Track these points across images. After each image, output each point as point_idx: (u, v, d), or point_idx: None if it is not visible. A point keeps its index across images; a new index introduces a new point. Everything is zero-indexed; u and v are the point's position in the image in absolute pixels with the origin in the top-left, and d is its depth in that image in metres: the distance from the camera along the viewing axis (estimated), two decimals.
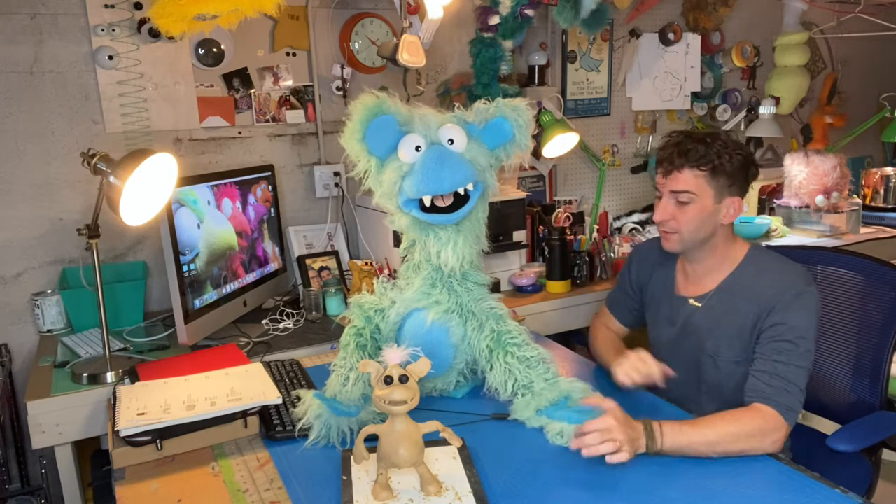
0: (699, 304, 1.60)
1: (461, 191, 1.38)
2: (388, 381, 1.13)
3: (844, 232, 3.03)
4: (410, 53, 2.18)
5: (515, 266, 2.51)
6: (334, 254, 2.49)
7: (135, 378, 1.60)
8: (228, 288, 2.07)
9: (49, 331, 2.14)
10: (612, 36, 3.14)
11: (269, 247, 2.33)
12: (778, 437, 1.32)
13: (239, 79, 2.41)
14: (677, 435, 1.27)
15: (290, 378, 1.66)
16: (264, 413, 1.46)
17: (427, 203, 1.38)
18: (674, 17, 3.27)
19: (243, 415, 1.41)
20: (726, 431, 1.28)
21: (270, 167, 2.36)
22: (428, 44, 2.31)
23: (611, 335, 1.80)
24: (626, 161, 3.31)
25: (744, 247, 1.60)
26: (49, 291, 2.18)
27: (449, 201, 1.38)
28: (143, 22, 2.20)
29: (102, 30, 2.17)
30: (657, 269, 1.73)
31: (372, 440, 1.18)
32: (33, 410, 1.65)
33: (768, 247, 1.69)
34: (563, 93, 3.05)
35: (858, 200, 3.12)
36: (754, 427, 1.31)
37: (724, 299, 1.56)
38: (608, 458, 1.21)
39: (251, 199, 2.22)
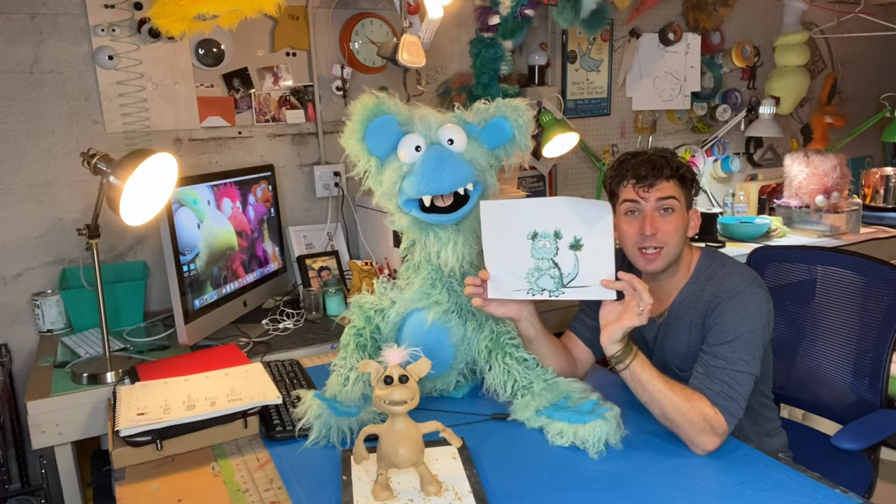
0: (660, 322, 1.56)
1: (461, 191, 1.38)
2: (388, 381, 1.13)
3: (844, 232, 3.03)
4: (410, 53, 2.18)
5: None
6: (334, 254, 2.49)
7: (135, 378, 1.59)
8: (228, 288, 2.07)
9: (49, 331, 2.14)
10: (612, 36, 3.14)
11: (269, 247, 2.33)
12: (715, 441, 1.28)
13: (239, 79, 2.41)
14: (647, 368, 1.33)
15: (290, 378, 1.66)
16: (264, 413, 1.46)
17: (427, 203, 1.38)
18: (674, 17, 3.27)
19: (243, 415, 1.41)
20: (679, 403, 1.29)
21: (270, 167, 2.36)
22: (428, 44, 2.31)
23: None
24: None
25: (696, 254, 1.56)
26: (49, 291, 2.18)
27: (449, 201, 1.38)
28: (143, 22, 2.20)
29: (102, 30, 2.17)
30: None
31: (372, 440, 1.18)
32: (33, 410, 1.65)
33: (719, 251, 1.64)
34: (563, 93, 3.05)
35: (858, 200, 3.12)
36: (703, 418, 1.28)
37: (680, 313, 1.52)
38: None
39: (251, 199, 2.22)
